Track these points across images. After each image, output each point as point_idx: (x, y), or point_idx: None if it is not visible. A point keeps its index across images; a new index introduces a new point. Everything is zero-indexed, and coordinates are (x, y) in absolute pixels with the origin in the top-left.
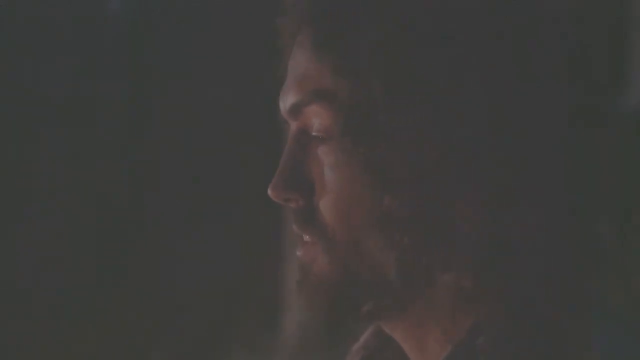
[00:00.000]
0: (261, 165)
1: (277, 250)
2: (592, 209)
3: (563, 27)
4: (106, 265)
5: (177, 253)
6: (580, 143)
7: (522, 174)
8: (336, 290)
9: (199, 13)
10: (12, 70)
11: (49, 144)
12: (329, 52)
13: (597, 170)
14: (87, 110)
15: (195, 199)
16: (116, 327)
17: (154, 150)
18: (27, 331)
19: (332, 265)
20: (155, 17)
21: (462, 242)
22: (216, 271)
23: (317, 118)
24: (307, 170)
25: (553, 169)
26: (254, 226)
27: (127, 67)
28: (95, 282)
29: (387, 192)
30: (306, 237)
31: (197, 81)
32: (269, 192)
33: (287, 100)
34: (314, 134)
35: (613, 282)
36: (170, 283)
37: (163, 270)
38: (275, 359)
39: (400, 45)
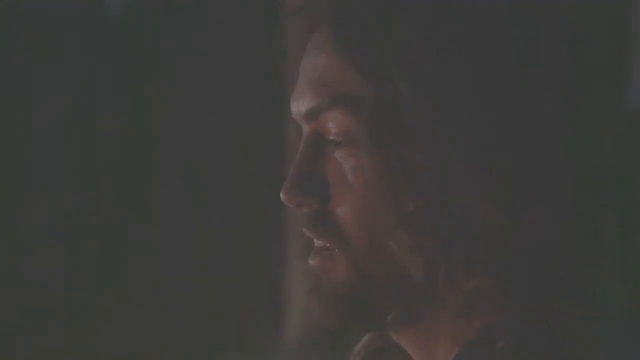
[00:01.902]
0: (264, 168)
1: (279, 253)
2: (594, 209)
3: (564, 28)
4: (106, 267)
5: (178, 255)
6: (580, 143)
7: (529, 175)
8: (352, 298)
9: (200, 14)
10: (10, 70)
11: (49, 144)
12: (352, 54)
13: (597, 170)
14: (87, 109)
15: (196, 201)
16: (116, 329)
17: (154, 152)
18: (27, 331)
19: (350, 272)
20: (156, 17)
21: (485, 244)
22: (218, 274)
23: (336, 122)
24: (322, 174)
25: (557, 170)
26: (256, 229)
27: (127, 66)
28: (95, 283)
29: (412, 195)
30: (318, 243)
31: (198, 83)
32: (282, 196)
33: (302, 104)
34: (331, 138)
35: (614, 281)
36: (171, 285)
37: (164, 273)
38: None
39: (426, 45)
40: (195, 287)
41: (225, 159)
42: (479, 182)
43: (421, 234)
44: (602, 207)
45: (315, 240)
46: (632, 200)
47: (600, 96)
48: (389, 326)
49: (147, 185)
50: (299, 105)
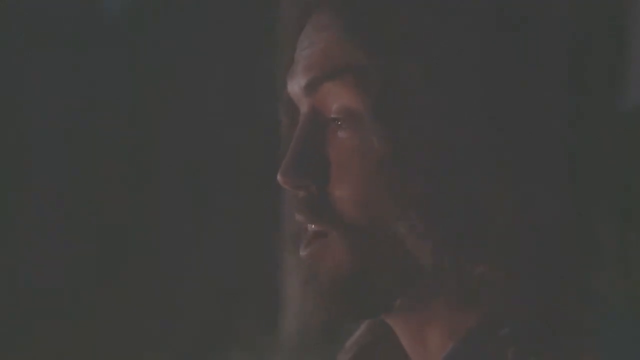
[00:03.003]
0: (261, 164)
1: (276, 249)
2: (593, 209)
3: (564, 27)
4: (106, 266)
5: (176, 253)
6: (580, 143)
7: (527, 174)
8: (352, 286)
9: (200, 14)
10: (10, 70)
11: (48, 144)
12: (358, 30)
13: (597, 170)
14: (86, 109)
15: (194, 199)
16: (115, 327)
17: (153, 150)
18: (27, 331)
19: (349, 256)
20: (156, 17)
21: (496, 229)
22: (215, 271)
23: (338, 98)
24: (322, 155)
25: (555, 169)
26: (253, 226)
27: (127, 66)
28: (95, 282)
29: (421, 177)
30: (312, 228)
31: (198, 83)
32: (279, 177)
33: (302, 78)
34: (332, 116)
35: (612, 280)
36: (170, 283)
37: (162, 271)
38: (275, 359)
39: (439, 23)
40: (194, 287)
41: (225, 159)
42: (487, 166)
43: (430, 217)
44: (603, 206)
45: (308, 225)
46: (632, 200)
47: (600, 96)
48: (387, 312)
49: (146, 185)
50: (299, 80)
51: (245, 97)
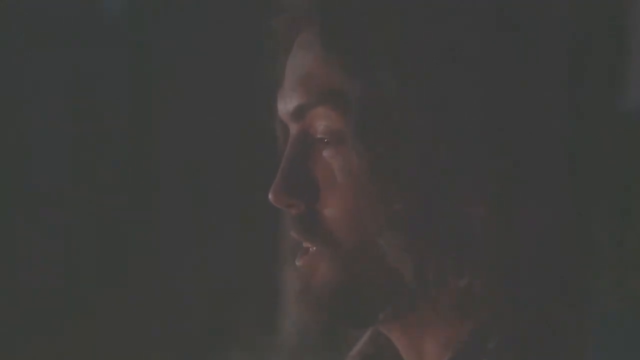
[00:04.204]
0: (261, 168)
1: (276, 251)
2: (592, 209)
3: (564, 27)
4: (106, 267)
5: (176, 253)
6: (580, 143)
7: (527, 174)
8: (341, 298)
9: (200, 14)
10: (10, 70)
11: (48, 144)
12: (338, 52)
13: (597, 170)
14: (86, 109)
15: (194, 201)
16: (115, 328)
17: (153, 153)
18: (27, 331)
19: (337, 273)
20: (155, 16)
21: (476, 243)
22: (215, 271)
23: (324, 120)
24: (310, 174)
25: (555, 170)
26: (253, 228)
27: (127, 66)
28: (95, 283)
29: (400, 194)
30: (306, 244)
31: (198, 82)
32: (270, 197)
33: (290, 102)
34: (319, 136)
35: (612, 280)
36: (170, 285)
37: (163, 272)
38: (275, 359)
39: (414, 43)
40: (194, 287)
41: (225, 159)
42: (469, 181)
43: (410, 233)
44: (600, 207)
45: (303, 242)
46: (631, 200)
47: (600, 96)
48: (377, 324)
49: (147, 185)
50: (286, 104)
51: (246, 97)
